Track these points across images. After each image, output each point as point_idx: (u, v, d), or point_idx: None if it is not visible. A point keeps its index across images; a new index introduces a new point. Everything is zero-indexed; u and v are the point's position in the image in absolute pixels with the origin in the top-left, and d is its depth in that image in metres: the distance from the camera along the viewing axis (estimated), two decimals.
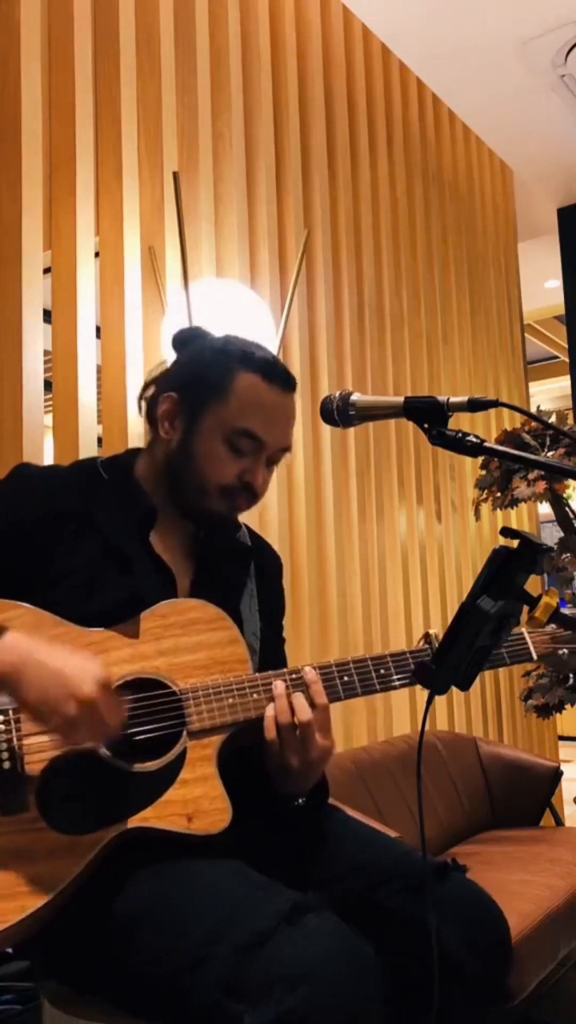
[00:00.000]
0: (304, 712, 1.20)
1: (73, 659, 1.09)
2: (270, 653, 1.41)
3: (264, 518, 2.55)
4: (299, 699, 1.22)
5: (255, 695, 1.22)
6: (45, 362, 2.03)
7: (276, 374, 1.30)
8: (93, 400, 2.15)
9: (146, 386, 1.39)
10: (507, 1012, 1.73)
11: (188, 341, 1.38)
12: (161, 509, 1.32)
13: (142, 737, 1.17)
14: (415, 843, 1.31)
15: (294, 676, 1.25)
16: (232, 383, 1.28)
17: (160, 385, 1.36)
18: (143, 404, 1.38)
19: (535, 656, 1.33)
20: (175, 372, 1.36)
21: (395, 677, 1.28)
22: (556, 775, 2.82)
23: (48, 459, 2.08)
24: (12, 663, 1.07)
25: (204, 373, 1.31)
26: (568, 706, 3.16)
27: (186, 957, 1.03)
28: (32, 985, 1.68)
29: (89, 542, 1.25)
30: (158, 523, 1.32)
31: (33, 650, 1.09)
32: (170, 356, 1.37)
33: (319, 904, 1.06)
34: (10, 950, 1.11)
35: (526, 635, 1.34)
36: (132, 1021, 1.13)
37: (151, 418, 1.36)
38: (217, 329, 1.40)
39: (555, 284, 5.37)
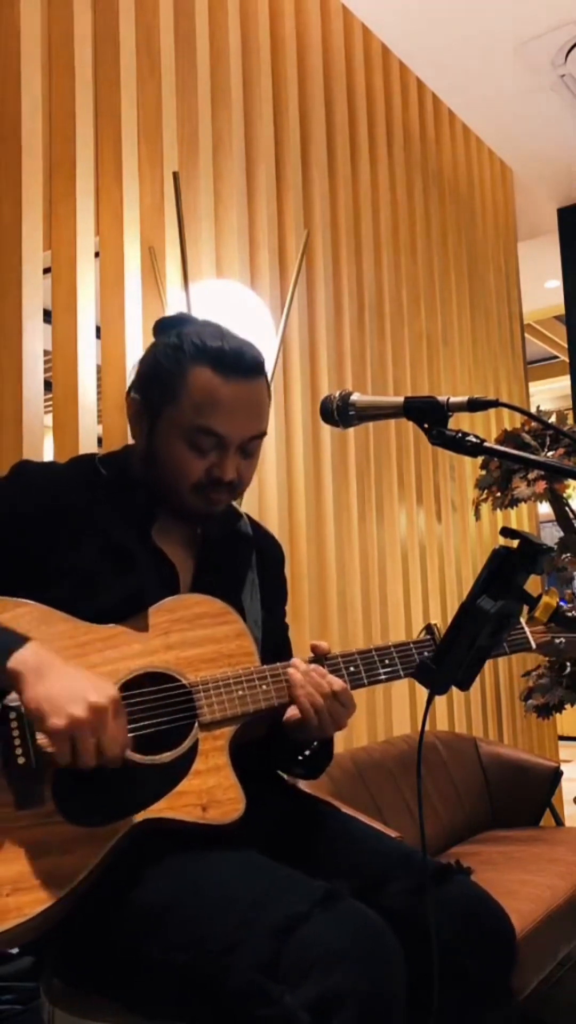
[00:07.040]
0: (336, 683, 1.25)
1: (90, 674, 1.11)
2: (278, 641, 1.42)
3: (264, 517, 2.55)
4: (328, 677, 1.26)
5: (264, 686, 1.24)
6: (45, 362, 2.03)
7: (229, 363, 1.25)
8: (93, 400, 2.15)
9: (129, 388, 1.38)
10: (507, 1012, 1.73)
11: (162, 331, 1.34)
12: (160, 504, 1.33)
13: (155, 730, 1.18)
14: (415, 843, 1.31)
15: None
16: (183, 381, 1.26)
17: (132, 385, 1.35)
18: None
19: (534, 646, 1.35)
20: (138, 372, 1.35)
21: (400, 668, 1.31)
22: (556, 775, 2.82)
23: (48, 459, 2.07)
24: (30, 662, 1.09)
25: (157, 374, 1.29)
26: (568, 706, 3.17)
27: (219, 942, 1.03)
28: (34, 985, 1.68)
29: (90, 539, 1.25)
30: (160, 517, 1.32)
31: (53, 659, 1.10)
32: None
33: (346, 892, 1.08)
34: (14, 949, 1.11)
35: (524, 624, 1.37)
36: (137, 1020, 1.12)
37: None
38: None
39: (555, 284, 5.37)
